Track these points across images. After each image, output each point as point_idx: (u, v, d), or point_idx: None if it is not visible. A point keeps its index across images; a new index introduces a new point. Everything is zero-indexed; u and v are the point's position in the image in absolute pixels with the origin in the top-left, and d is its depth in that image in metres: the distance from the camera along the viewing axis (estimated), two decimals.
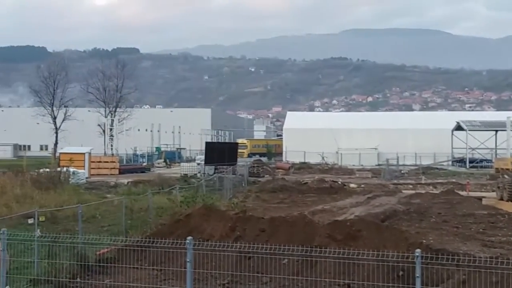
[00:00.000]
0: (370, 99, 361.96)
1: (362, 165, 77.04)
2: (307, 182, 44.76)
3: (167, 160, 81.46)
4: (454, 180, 51.32)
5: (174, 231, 16.43)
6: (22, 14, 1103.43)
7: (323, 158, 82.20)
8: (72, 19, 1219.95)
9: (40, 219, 17.51)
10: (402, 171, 61.48)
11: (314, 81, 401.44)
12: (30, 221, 17.99)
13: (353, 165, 76.70)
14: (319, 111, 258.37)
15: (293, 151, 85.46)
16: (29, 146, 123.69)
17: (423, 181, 50.09)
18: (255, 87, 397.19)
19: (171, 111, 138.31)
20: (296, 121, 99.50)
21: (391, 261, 11.32)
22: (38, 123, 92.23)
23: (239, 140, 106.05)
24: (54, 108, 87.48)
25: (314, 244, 13.67)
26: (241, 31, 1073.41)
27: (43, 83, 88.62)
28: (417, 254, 10.17)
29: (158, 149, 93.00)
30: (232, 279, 13.35)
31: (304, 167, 70.87)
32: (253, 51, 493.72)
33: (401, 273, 11.95)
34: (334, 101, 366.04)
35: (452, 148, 79.65)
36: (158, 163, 78.59)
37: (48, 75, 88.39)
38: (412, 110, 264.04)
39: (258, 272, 13.25)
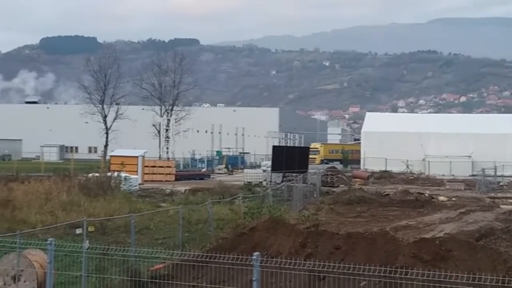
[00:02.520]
0: (463, 99, 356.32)
1: (453, 175, 75.86)
2: (388, 194, 44.44)
3: (229, 166, 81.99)
4: None
5: (236, 246, 16.55)
6: (71, 1, 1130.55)
7: (407, 166, 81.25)
8: (125, 6, 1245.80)
9: (89, 229, 17.87)
10: (501, 183, 60.33)
11: (398, 78, 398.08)
12: (78, 231, 18.37)
13: (443, 175, 75.58)
14: (404, 112, 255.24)
15: (373, 157, 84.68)
16: (76, 148, 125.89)
17: None
18: (329, 84, 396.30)
19: (234, 111, 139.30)
20: (377, 123, 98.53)
21: (488, 286, 11.15)
22: (86, 122, 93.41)
23: (311, 145, 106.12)
24: (105, 106, 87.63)
25: (397, 264, 13.55)
26: (314, 20, 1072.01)
27: (92, 77, 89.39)
28: None
29: (219, 153, 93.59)
30: None
31: (385, 176, 70.28)
32: (327, 43, 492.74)
33: None
34: (421, 101, 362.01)
35: None
36: (219, 169, 79.20)
37: (98, 69, 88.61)
38: None
39: None
